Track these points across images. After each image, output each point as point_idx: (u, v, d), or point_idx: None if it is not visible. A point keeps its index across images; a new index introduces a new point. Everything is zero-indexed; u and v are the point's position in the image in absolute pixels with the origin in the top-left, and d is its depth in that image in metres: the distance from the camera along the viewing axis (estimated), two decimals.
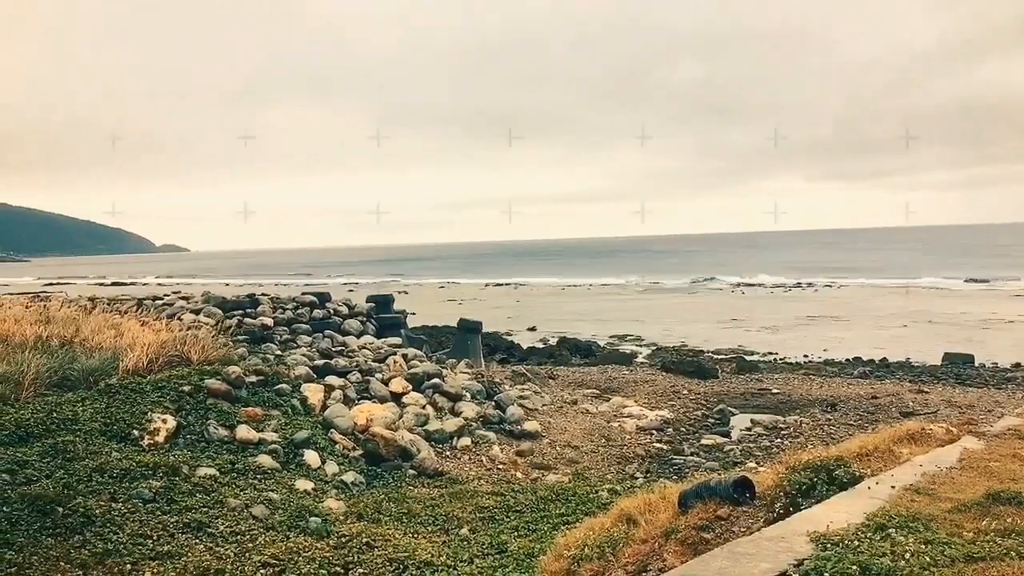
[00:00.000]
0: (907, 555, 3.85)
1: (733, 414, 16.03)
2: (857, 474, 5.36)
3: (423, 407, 13.35)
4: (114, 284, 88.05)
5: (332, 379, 13.40)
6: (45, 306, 16.84)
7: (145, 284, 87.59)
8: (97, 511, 7.84)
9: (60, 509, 7.68)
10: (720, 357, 26.55)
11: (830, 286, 63.05)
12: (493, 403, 14.52)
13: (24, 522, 7.42)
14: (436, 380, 14.38)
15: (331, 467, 10.52)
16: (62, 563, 7.05)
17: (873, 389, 18.33)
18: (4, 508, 7.50)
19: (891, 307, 44.09)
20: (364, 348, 16.62)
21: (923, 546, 3.95)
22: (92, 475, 8.53)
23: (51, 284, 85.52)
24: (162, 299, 20.34)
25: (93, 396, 10.65)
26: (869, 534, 4.16)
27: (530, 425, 13.88)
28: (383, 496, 9.93)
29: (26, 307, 16.66)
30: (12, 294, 25.98)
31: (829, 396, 17.45)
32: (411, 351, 16.70)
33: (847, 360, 25.62)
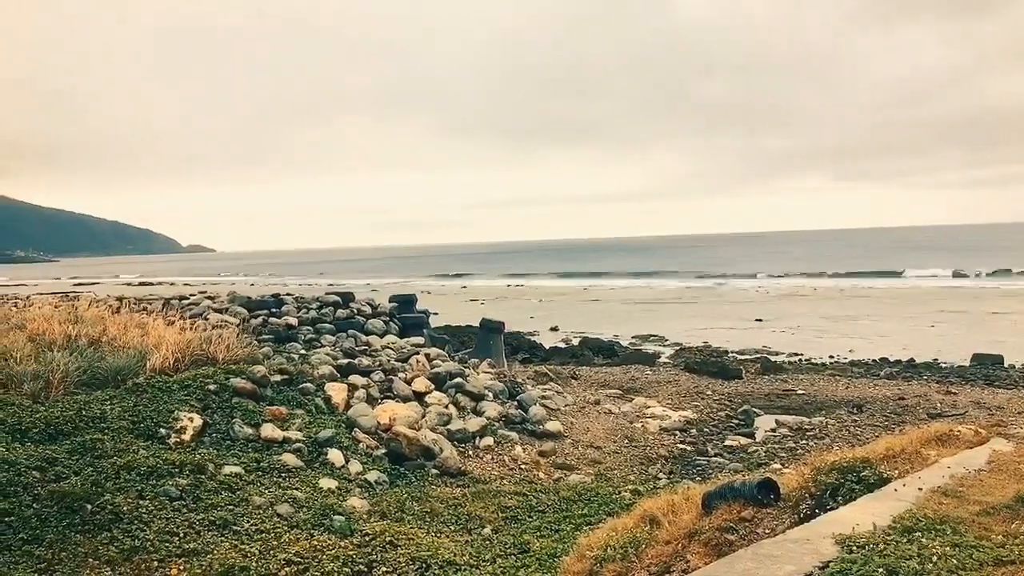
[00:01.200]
0: (934, 558, 3.80)
1: (757, 415, 15.90)
2: (884, 476, 5.30)
3: (446, 406, 13.38)
4: (141, 284, 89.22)
5: (355, 378, 13.47)
6: (74, 305, 17.08)
7: (171, 284, 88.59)
8: (125, 508, 7.95)
9: (88, 506, 7.79)
10: (744, 357, 26.34)
11: (856, 285, 62.39)
12: (515, 403, 14.53)
13: (53, 519, 7.54)
14: (459, 380, 14.41)
15: (354, 466, 10.58)
16: (90, 559, 7.15)
17: (900, 390, 18.10)
18: (34, 505, 7.62)
19: (919, 306, 43.53)
20: (387, 348, 16.69)
21: (951, 549, 3.90)
22: (120, 473, 8.65)
23: (80, 284, 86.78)
24: (188, 299, 20.58)
25: (121, 395, 10.79)
26: (896, 537, 4.11)
27: (552, 425, 13.87)
28: (406, 495, 9.97)
29: (55, 306, 16.91)
30: (42, 294, 26.40)
31: (855, 397, 17.26)
32: (434, 351, 16.74)
33: (873, 361, 25.31)
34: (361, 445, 11.27)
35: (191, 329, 14.02)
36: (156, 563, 7.26)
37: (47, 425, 9.43)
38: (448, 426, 12.67)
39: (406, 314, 20.93)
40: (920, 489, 4.97)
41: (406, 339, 18.38)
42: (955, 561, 3.76)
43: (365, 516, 9.02)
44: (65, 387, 10.68)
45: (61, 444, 9.09)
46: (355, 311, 19.49)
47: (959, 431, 6.81)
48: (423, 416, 12.70)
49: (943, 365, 24.05)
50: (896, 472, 5.47)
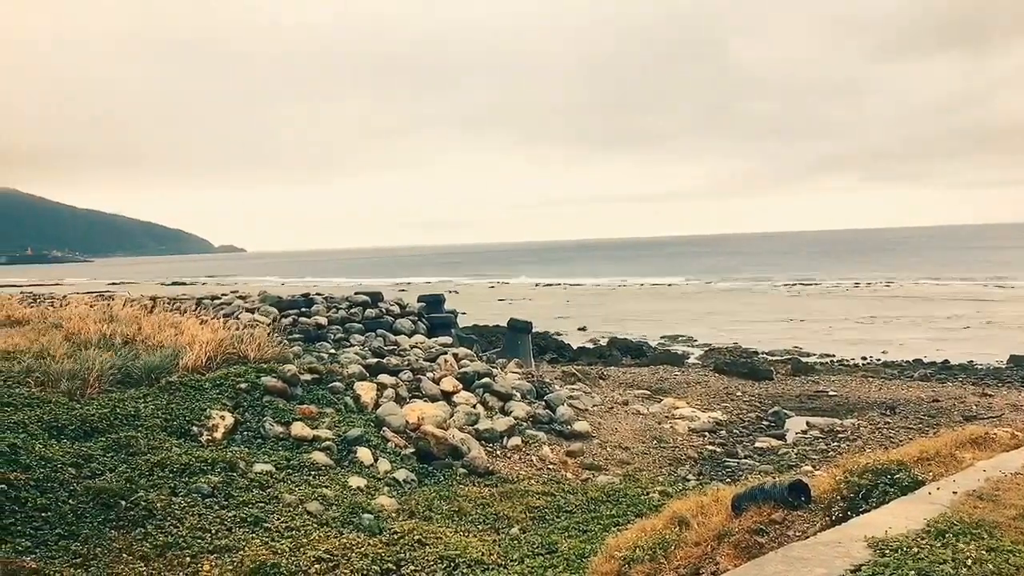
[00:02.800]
0: (969, 562, 3.74)
1: (788, 416, 15.75)
2: (917, 479, 5.22)
3: (474, 406, 13.41)
4: (174, 283, 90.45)
5: (384, 378, 13.54)
6: (109, 305, 17.37)
7: (203, 284, 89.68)
8: (158, 505, 8.06)
9: (123, 502, 7.91)
10: (775, 358, 26.10)
11: (889, 285, 61.49)
12: (543, 403, 14.52)
13: (89, 514, 7.67)
14: (486, 379, 14.43)
15: (383, 464, 10.65)
16: (125, 555, 7.27)
17: (934, 392, 17.82)
18: (70, 501, 7.76)
19: (953, 307, 42.82)
20: (415, 347, 16.76)
21: (986, 553, 3.83)
22: (153, 469, 8.78)
23: (114, 283, 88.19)
24: (220, 298, 20.82)
25: (154, 392, 10.96)
26: (930, 540, 4.05)
27: (580, 425, 13.84)
28: (434, 494, 10.01)
29: (91, 306, 17.21)
30: (78, 293, 26.87)
31: (888, 399, 17.03)
32: (462, 350, 16.79)
33: (907, 362, 24.96)
34: (390, 444, 11.33)
35: (223, 328, 14.20)
36: (188, 559, 7.36)
37: (83, 422, 9.61)
38: (476, 426, 12.69)
39: (434, 314, 21.00)
40: (955, 492, 4.89)
41: (434, 339, 18.45)
42: (991, 566, 3.69)
43: (394, 514, 9.07)
44: (100, 385, 10.87)
45: (96, 441, 9.25)
46: (384, 311, 19.60)
47: (995, 434, 6.69)
48: (451, 415, 12.74)
49: (979, 367, 23.64)
50: (930, 475, 5.39)
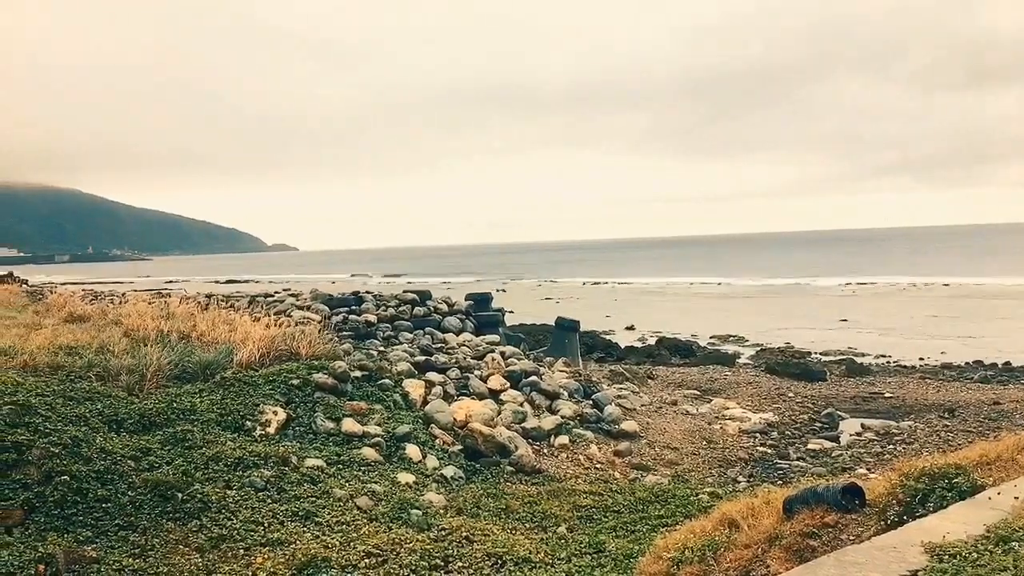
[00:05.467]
0: None
1: (842, 418, 15.45)
2: (977, 483, 5.07)
3: (521, 404, 13.43)
4: (228, 282, 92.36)
5: (432, 375, 13.64)
6: (166, 303, 17.82)
7: (257, 282, 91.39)
8: (213, 498, 8.25)
9: (179, 495, 8.12)
10: (828, 359, 25.59)
11: (947, 285, 59.82)
12: (591, 402, 14.47)
13: (147, 506, 7.89)
14: (534, 378, 14.43)
15: (431, 461, 10.73)
16: (181, 547, 7.46)
17: (995, 394, 17.28)
18: (129, 493, 7.99)
19: (1014, 307, 41.45)
20: (463, 345, 16.84)
21: None
22: (208, 463, 8.99)
23: (171, 281, 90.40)
24: (272, 296, 21.21)
25: (209, 388, 11.21)
26: (990, 547, 3.93)
27: (628, 425, 13.75)
28: (481, 491, 10.05)
29: (149, 303, 17.68)
30: (136, 291, 27.63)
31: (947, 401, 16.58)
32: (509, 349, 16.81)
33: (967, 364, 24.24)
34: (438, 441, 11.41)
35: (276, 325, 14.45)
36: (242, 551, 7.52)
37: (141, 416, 9.88)
38: (523, 424, 12.71)
39: (482, 312, 21.06)
40: (1016, 498, 4.74)
41: (481, 337, 18.51)
42: None
43: (442, 511, 9.14)
44: (158, 380, 11.17)
45: (154, 435, 9.51)
46: (432, 309, 19.73)
47: None
48: (498, 413, 12.78)
49: None
50: (990, 480, 5.23)
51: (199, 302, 18.47)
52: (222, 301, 19.91)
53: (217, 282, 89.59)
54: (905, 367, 23.94)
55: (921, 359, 25.76)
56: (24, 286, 32.39)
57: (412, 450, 10.78)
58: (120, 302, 19.63)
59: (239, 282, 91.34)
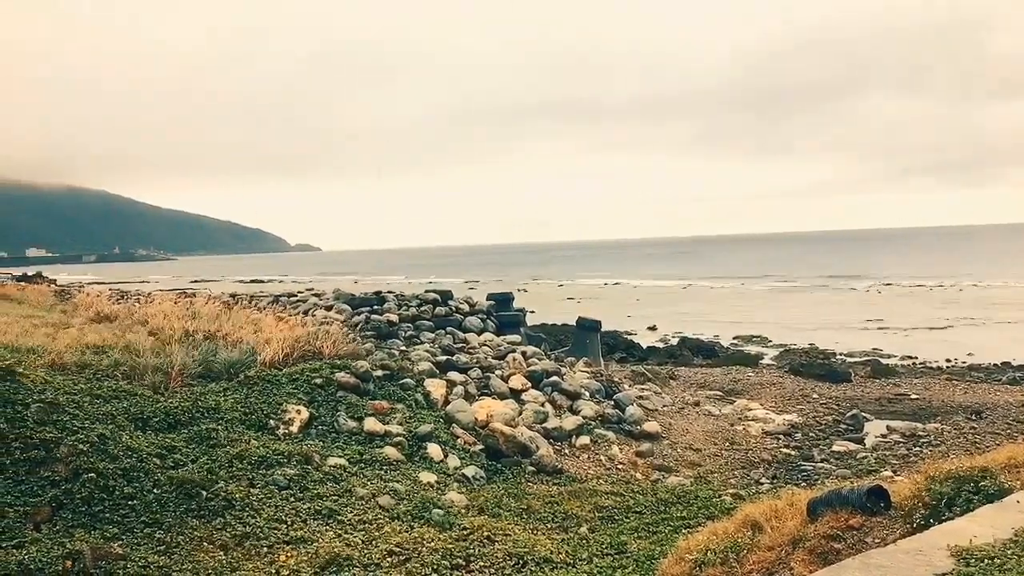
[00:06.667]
0: None
1: (867, 420, 15.29)
2: (1005, 486, 5.00)
3: (542, 404, 13.42)
4: (253, 281, 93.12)
5: (454, 375, 13.67)
6: (191, 302, 18.01)
7: (280, 281, 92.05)
8: (237, 496, 8.32)
9: (204, 493, 8.19)
10: (853, 360, 25.33)
11: (976, 285, 58.98)
12: (612, 402, 14.42)
13: (172, 504, 7.97)
14: (555, 378, 14.42)
15: (453, 460, 10.75)
16: (205, 544, 7.52)
17: None
18: (155, 490, 8.07)
19: None
20: (484, 345, 16.86)
21: None
22: (233, 461, 9.07)
23: (196, 281, 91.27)
24: (296, 296, 21.34)
25: (234, 387, 11.31)
26: (1017, 551, 3.88)
27: (650, 426, 13.70)
28: (503, 491, 10.06)
29: (174, 303, 17.87)
30: (162, 290, 27.93)
31: (974, 403, 16.35)
32: (530, 349, 16.80)
33: (995, 365, 23.89)
34: (459, 440, 11.43)
35: (299, 325, 14.55)
36: (265, 549, 7.57)
37: (166, 415, 9.98)
38: (544, 424, 12.70)
39: (503, 312, 21.06)
40: None
41: (503, 337, 18.51)
42: None
43: (463, 510, 9.15)
44: (183, 379, 11.28)
45: (179, 433, 9.61)
46: (453, 309, 19.76)
47: None
48: (520, 413, 12.78)
49: None
50: (1018, 483, 5.15)
51: (224, 302, 18.64)
52: (247, 301, 20.08)
53: (242, 282, 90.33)
54: (931, 368, 23.65)
55: (948, 360, 25.43)
56: (52, 286, 32.85)
57: (434, 449, 10.81)
58: (146, 302, 19.85)
59: (263, 282, 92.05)
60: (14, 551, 6.78)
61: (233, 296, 20.83)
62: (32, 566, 6.56)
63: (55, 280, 41.93)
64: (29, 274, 40.90)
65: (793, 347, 29.73)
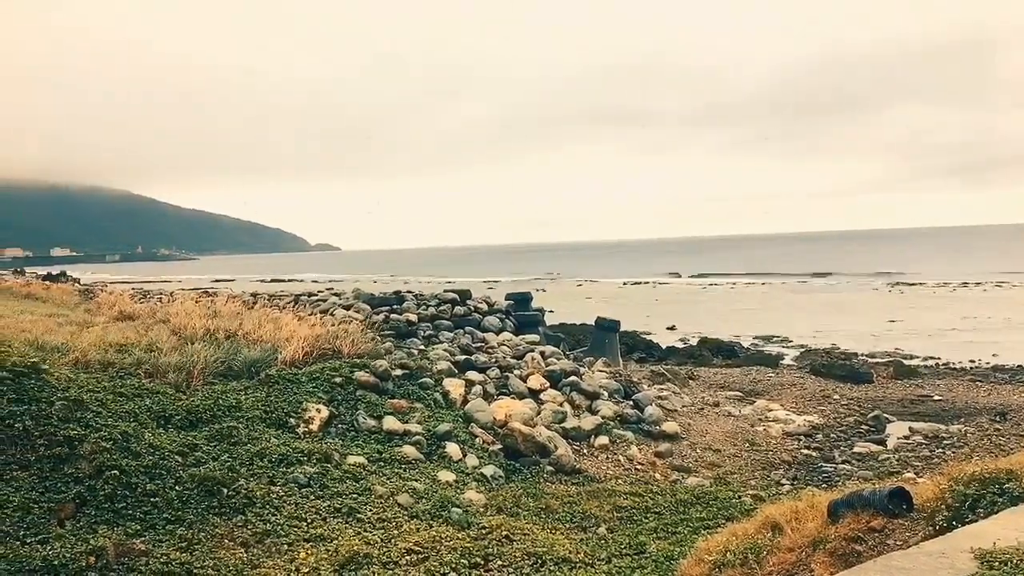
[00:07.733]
0: None
1: (889, 421, 15.14)
2: None
3: (560, 404, 13.41)
4: (273, 281, 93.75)
5: (472, 374, 13.69)
6: (212, 301, 18.15)
7: (301, 281, 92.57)
8: (258, 493, 8.39)
9: (225, 490, 8.27)
10: (875, 361, 25.09)
11: (1001, 286, 58.25)
12: (631, 403, 14.38)
13: (193, 501, 8.05)
14: (573, 378, 14.40)
15: (471, 460, 10.77)
16: (226, 541, 7.59)
17: None
18: (176, 488, 8.16)
19: None
20: (503, 345, 16.86)
21: None
22: (253, 459, 9.14)
23: (217, 280, 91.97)
24: (316, 295, 21.44)
25: (254, 385, 11.41)
26: None
27: (669, 426, 13.65)
28: (521, 491, 10.06)
29: (196, 302, 18.01)
30: (184, 289, 28.16)
31: (999, 404, 16.15)
32: (549, 348, 16.79)
33: (1019, 366, 23.58)
34: (478, 440, 11.45)
35: (319, 324, 14.63)
36: (286, 547, 7.63)
37: (188, 413, 10.08)
38: (563, 424, 12.69)
39: (521, 312, 21.05)
40: None
41: (521, 337, 18.51)
42: None
43: (482, 509, 9.17)
44: (204, 378, 11.38)
45: (200, 431, 9.70)
46: (472, 308, 19.78)
47: None
48: (538, 413, 12.78)
49: None
50: None
51: (245, 301, 18.77)
52: (267, 300, 20.20)
53: (262, 281, 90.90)
54: (955, 369, 23.39)
55: (972, 361, 25.14)
56: (76, 285, 33.21)
57: (452, 448, 10.84)
58: (168, 301, 20.02)
59: (283, 281, 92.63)
60: (39, 547, 6.88)
61: (253, 295, 20.96)
62: (56, 562, 6.66)
63: (79, 279, 42.40)
64: (54, 273, 41.37)
65: (814, 347, 29.52)
